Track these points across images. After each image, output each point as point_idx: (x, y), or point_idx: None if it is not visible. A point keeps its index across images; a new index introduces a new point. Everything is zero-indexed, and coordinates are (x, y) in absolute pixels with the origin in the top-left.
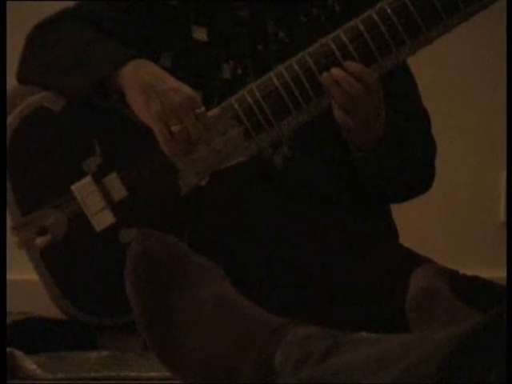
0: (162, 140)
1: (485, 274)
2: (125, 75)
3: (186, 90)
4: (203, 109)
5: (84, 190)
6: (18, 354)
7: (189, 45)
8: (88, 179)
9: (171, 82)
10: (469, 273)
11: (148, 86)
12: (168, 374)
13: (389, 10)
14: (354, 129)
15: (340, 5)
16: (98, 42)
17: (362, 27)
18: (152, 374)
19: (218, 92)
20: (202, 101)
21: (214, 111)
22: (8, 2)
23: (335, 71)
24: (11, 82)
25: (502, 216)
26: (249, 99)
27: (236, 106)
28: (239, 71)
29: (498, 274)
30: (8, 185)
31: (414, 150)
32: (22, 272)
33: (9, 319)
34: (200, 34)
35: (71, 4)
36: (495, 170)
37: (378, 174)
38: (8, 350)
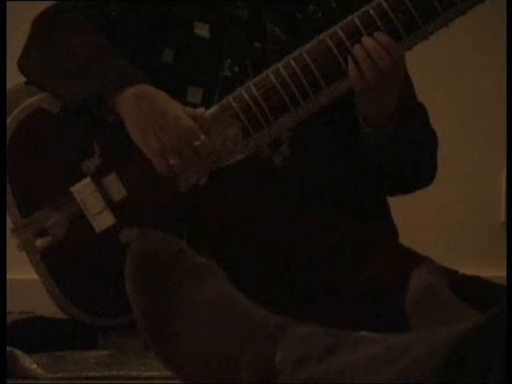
0: (161, 171)
1: (485, 273)
2: (124, 103)
3: (184, 122)
4: (203, 138)
5: (83, 191)
6: (19, 353)
7: (191, 41)
8: (87, 180)
9: (170, 114)
10: (469, 273)
11: (146, 121)
12: (168, 373)
13: (385, 6)
14: (371, 104)
15: (337, 1)
16: (102, 53)
17: (358, 23)
18: (152, 374)
19: (219, 88)
20: (202, 97)
21: (212, 110)
22: (8, 2)
23: (367, 42)
24: (11, 82)
25: (502, 216)
26: (246, 97)
27: (234, 104)
28: (236, 69)
29: (498, 273)
30: (8, 186)
31: (419, 133)
32: (22, 272)
33: (9, 319)
34: (202, 30)
35: None
36: (495, 169)
37: (386, 154)
38: (8, 349)
